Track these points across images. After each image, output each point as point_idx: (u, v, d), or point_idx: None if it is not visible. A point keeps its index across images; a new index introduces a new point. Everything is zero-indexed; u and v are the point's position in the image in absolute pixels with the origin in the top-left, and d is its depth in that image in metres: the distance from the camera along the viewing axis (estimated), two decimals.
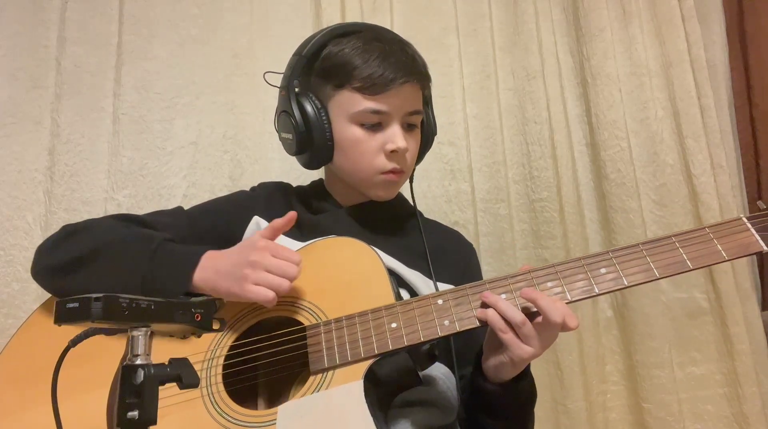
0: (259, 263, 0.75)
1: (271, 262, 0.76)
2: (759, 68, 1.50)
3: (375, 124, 0.91)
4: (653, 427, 1.31)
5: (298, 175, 1.34)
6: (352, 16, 1.39)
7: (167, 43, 1.37)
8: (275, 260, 0.76)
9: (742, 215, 0.77)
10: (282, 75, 0.98)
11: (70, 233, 0.87)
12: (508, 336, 0.74)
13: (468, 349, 0.92)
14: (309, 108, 0.92)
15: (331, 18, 1.38)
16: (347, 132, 0.91)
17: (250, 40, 1.40)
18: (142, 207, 1.29)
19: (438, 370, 0.87)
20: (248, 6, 1.42)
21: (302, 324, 0.79)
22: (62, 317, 0.51)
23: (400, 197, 1.03)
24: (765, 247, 0.74)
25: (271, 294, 0.74)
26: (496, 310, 0.74)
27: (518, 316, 0.74)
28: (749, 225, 0.75)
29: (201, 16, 1.39)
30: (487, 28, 1.48)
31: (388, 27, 1.41)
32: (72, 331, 0.80)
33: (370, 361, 0.74)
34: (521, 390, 0.82)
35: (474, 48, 1.48)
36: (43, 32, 1.32)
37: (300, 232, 0.96)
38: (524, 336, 0.74)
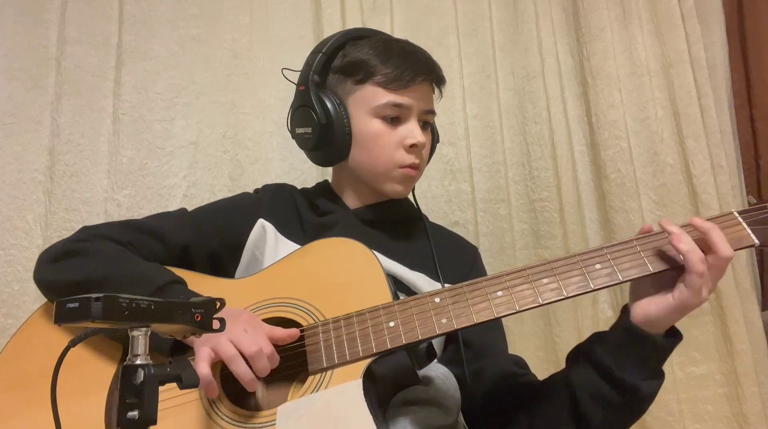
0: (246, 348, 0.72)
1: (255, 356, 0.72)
2: (759, 68, 1.50)
3: (394, 118, 0.93)
4: (653, 427, 1.31)
5: (299, 174, 1.35)
6: (352, 16, 1.39)
7: (167, 43, 1.37)
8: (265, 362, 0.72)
9: (733, 210, 0.77)
10: (299, 72, 0.98)
11: (71, 253, 0.86)
12: (700, 280, 0.70)
13: (482, 342, 0.93)
14: (329, 102, 0.93)
15: (331, 18, 1.38)
16: (368, 126, 0.93)
17: (250, 40, 1.40)
18: (142, 207, 1.29)
19: (437, 371, 0.87)
20: (248, 6, 1.41)
21: (300, 324, 0.78)
22: (62, 317, 0.51)
23: (407, 200, 1.03)
24: (756, 241, 0.75)
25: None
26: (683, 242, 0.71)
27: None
28: (741, 219, 0.76)
29: (201, 16, 1.39)
30: (487, 28, 1.48)
31: (388, 27, 1.42)
32: (68, 336, 0.81)
33: (368, 360, 0.73)
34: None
35: (474, 48, 1.48)
36: (43, 32, 1.32)
37: (305, 234, 0.96)
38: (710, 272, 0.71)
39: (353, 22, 1.38)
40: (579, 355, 0.81)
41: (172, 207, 1.28)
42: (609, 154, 1.39)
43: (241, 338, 0.72)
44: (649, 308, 0.74)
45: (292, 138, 1.00)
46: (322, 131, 0.93)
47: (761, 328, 1.37)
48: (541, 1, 1.47)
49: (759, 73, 1.50)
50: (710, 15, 1.53)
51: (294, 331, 0.77)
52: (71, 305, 0.50)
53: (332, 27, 1.35)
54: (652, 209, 1.41)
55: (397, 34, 1.40)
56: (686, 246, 0.71)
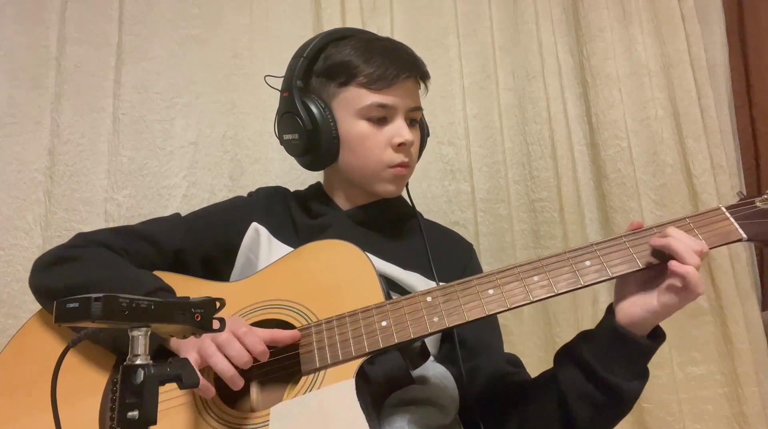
0: (223, 345, 0.72)
1: (234, 348, 0.72)
2: (759, 68, 1.50)
3: (381, 118, 0.92)
4: (653, 427, 1.31)
5: (298, 174, 1.34)
6: (352, 16, 1.39)
7: (167, 43, 1.37)
8: (238, 347, 0.72)
9: (721, 205, 0.78)
10: (282, 78, 0.98)
11: (63, 259, 0.87)
12: (695, 297, 0.71)
13: (476, 341, 0.93)
14: (314, 107, 0.93)
15: (331, 18, 1.38)
16: (354, 128, 0.92)
17: (250, 40, 1.40)
18: (142, 207, 1.29)
19: (434, 370, 0.88)
20: (248, 6, 1.42)
21: (293, 326, 0.79)
22: (62, 317, 0.51)
23: (399, 198, 1.03)
24: (744, 235, 0.75)
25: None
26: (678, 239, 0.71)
27: (701, 245, 0.72)
28: (728, 214, 0.76)
29: (201, 16, 1.39)
30: (487, 28, 1.48)
31: (388, 27, 1.43)
32: (62, 342, 0.81)
33: (361, 360, 0.74)
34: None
35: (474, 48, 1.48)
36: (43, 32, 1.32)
37: (298, 236, 0.96)
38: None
39: (353, 23, 1.38)
40: (566, 354, 0.82)
41: (172, 207, 1.29)
42: (609, 154, 1.39)
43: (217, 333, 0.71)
44: (635, 311, 0.75)
45: (281, 144, 1.00)
46: (308, 137, 0.93)
47: (761, 328, 1.37)
48: (541, 1, 1.47)
49: (759, 73, 1.50)
50: (710, 15, 1.53)
51: (296, 333, 0.77)
52: (71, 305, 0.50)
53: (332, 27, 1.35)
54: (652, 209, 1.41)
55: (397, 35, 1.40)
56: (686, 268, 0.70)
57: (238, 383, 0.71)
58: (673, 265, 0.71)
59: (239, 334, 0.72)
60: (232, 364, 0.71)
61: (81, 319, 0.50)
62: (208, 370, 0.78)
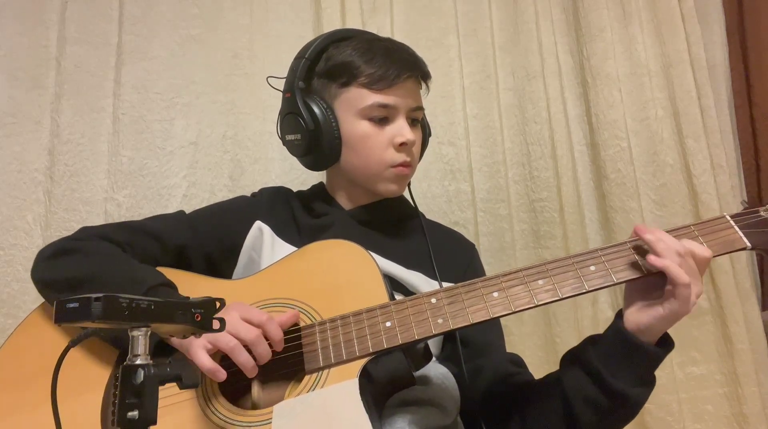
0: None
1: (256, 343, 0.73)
2: (759, 68, 1.50)
3: (382, 118, 0.93)
4: (653, 427, 1.31)
5: (299, 174, 1.35)
6: (352, 16, 1.39)
7: (167, 43, 1.37)
8: (265, 345, 0.74)
9: (725, 213, 0.78)
10: (284, 79, 0.99)
11: (66, 251, 0.87)
12: (688, 289, 0.70)
13: (479, 341, 0.93)
14: (316, 107, 0.93)
15: (331, 18, 1.38)
16: (356, 128, 0.93)
17: (250, 40, 1.40)
18: (142, 207, 1.29)
19: (436, 371, 0.88)
20: (248, 6, 1.42)
21: (297, 324, 0.79)
22: (62, 317, 0.51)
23: (401, 198, 1.03)
24: (748, 244, 0.75)
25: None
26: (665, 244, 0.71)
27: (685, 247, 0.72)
28: (732, 222, 0.77)
29: (201, 16, 1.39)
30: (487, 28, 1.48)
31: (388, 27, 1.43)
32: (64, 337, 0.81)
33: (365, 360, 0.74)
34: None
35: (474, 48, 1.48)
36: (43, 32, 1.32)
37: (300, 236, 0.96)
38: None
39: (353, 23, 1.38)
40: (573, 358, 0.82)
41: (172, 207, 1.29)
42: (609, 154, 1.39)
43: (239, 326, 0.72)
44: (641, 318, 0.75)
45: (284, 145, 1.00)
46: (311, 137, 0.93)
47: (761, 328, 1.37)
48: (541, 1, 1.47)
49: (759, 73, 1.50)
50: (710, 15, 1.53)
51: (294, 312, 0.78)
52: (71, 305, 0.50)
53: (332, 27, 1.35)
54: (652, 209, 1.41)
55: (397, 35, 1.40)
56: (664, 261, 0.71)
57: (254, 373, 0.73)
58: (650, 259, 0.72)
59: (262, 323, 0.73)
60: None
61: (81, 319, 0.50)
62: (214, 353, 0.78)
